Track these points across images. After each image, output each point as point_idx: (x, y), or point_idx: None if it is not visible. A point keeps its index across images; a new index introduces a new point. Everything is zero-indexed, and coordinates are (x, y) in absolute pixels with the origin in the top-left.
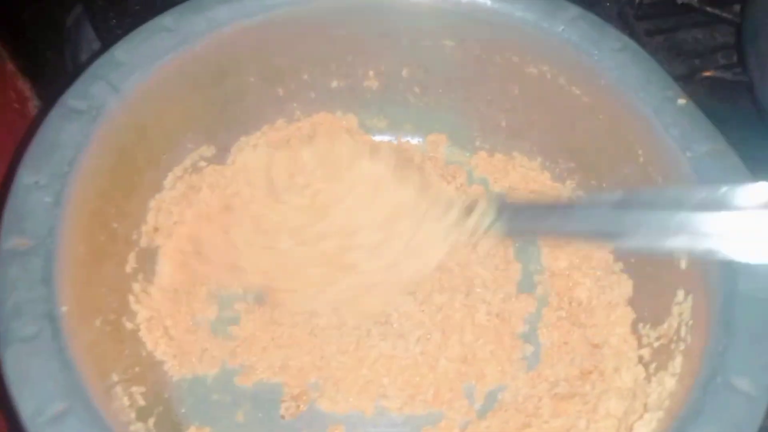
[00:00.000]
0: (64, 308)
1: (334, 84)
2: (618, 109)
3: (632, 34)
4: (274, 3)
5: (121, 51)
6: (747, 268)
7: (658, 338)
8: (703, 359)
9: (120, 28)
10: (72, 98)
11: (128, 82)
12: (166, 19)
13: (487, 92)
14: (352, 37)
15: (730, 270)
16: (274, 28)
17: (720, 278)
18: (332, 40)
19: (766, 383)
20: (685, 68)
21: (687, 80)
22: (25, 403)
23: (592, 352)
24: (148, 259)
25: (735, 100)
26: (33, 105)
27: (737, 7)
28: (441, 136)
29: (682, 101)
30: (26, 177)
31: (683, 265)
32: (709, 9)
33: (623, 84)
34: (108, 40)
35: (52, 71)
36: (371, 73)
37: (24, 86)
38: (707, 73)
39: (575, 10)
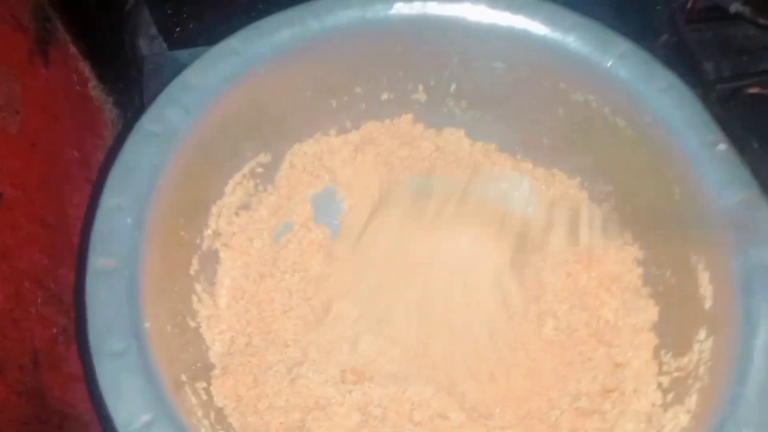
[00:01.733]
0: (147, 324)
1: (384, 96)
2: (659, 147)
3: (680, 34)
4: (335, 25)
5: (193, 74)
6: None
7: (678, 369)
8: (716, 404)
9: (176, 16)
10: (149, 122)
11: (199, 104)
12: (234, 43)
13: (532, 112)
14: (406, 55)
15: (751, 321)
16: (333, 49)
17: (741, 328)
18: (387, 56)
19: None
20: (733, 67)
21: (730, 96)
22: (118, 414)
23: (614, 371)
24: (210, 260)
25: None
26: (92, 85)
27: None
28: None
29: (722, 147)
30: (109, 199)
31: (707, 305)
32: (761, 21)
33: (666, 124)
34: (164, 25)
35: (110, 53)
36: (420, 87)
37: (84, 68)
38: (753, 90)
39: (626, 46)
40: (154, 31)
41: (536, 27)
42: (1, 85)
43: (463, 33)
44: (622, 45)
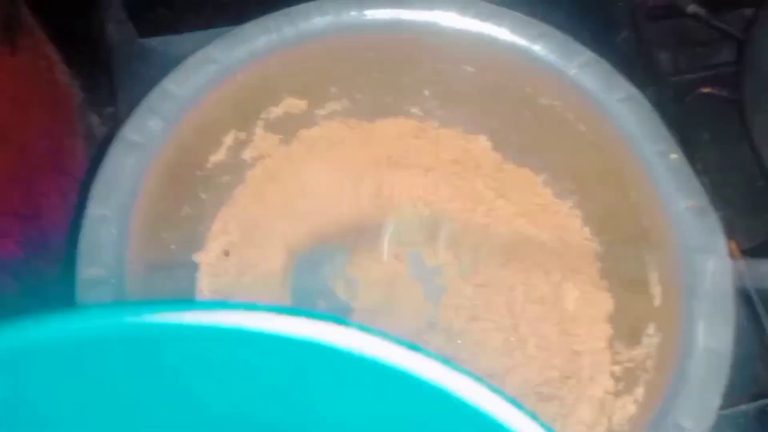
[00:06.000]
0: None
1: (359, 96)
2: (617, 153)
3: (638, 28)
4: (310, 31)
5: (172, 83)
6: (709, 322)
7: (629, 360)
8: (660, 395)
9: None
10: (131, 132)
11: (177, 112)
12: (212, 51)
13: (501, 113)
14: (380, 58)
15: (693, 323)
16: (308, 53)
17: (684, 328)
18: (361, 60)
19: (707, 426)
20: (688, 60)
21: (685, 94)
22: None
23: (572, 359)
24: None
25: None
26: (59, 69)
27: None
28: None
29: (674, 156)
30: (94, 210)
31: (656, 303)
32: (715, 23)
33: (624, 132)
34: (135, 10)
35: (77, 36)
36: (393, 89)
37: (51, 51)
38: (706, 90)
39: (588, 56)
40: (123, 15)
41: (504, 34)
42: None
43: (435, 38)
44: (585, 54)
